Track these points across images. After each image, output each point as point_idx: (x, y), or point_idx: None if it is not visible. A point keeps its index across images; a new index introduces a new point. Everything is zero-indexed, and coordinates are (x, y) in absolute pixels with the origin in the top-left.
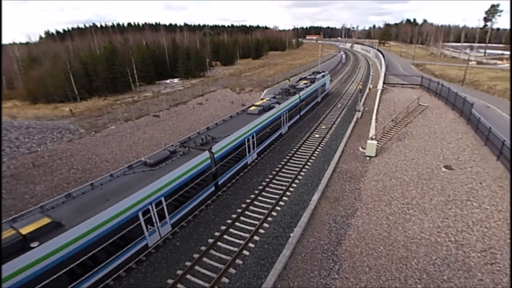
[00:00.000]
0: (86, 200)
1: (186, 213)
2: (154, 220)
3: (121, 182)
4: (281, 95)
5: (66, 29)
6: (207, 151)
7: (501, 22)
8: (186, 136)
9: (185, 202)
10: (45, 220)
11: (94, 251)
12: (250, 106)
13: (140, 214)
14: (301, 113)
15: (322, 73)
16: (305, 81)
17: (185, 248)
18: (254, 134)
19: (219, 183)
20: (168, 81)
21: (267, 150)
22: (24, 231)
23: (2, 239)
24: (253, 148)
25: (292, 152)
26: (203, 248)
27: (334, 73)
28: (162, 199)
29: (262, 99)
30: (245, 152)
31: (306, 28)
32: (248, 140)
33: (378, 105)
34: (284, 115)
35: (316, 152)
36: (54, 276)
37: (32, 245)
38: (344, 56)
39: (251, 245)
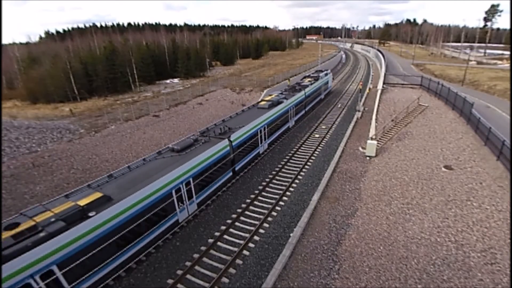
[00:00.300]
0: (126, 179)
1: (208, 195)
2: (184, 198)
3: (154, 165)
4: (288, 92)
5: (66, 29)
6: (226, 139)
7: (501, 22)
8: (205, 127)
9: (208, 184)
10: (97, 195)
11: (137, 223)
12: (261, 101)
13: (173, 192)
14: (307, 109)
15: (325, 72)
16: (309, 79)
17: (185, 248)
18: (266, 126)
19: (236, 169)
20: (168, 81)
21: (276, 142)
22: (82, 203)
23: (64, 209)
24: (265, 139)
25: (292, 152)
26: (203, 248)
27: (334, 73)
28: (191, 179)
29: (262, 100)
30: (258, 142)
31: (306, 28)
32: (260, 132)
33: (378, 105)
34: (291, 109)
35: (316, 152)
36: (106, 243)
37: (90, 214)
38: (344, 56)
39: (251, 245)
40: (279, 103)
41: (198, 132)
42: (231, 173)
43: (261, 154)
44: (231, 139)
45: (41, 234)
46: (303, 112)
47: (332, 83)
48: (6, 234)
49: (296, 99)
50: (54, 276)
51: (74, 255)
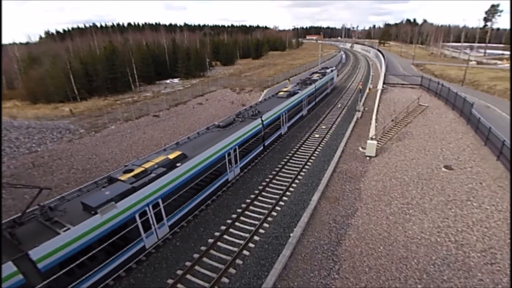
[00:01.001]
0: (190, 145)
1: (246, 163)
2: (232, 161)
3: (207, 136)
4: (300, 85)
5: (66, 29)
6: (259, 119)
7: (501, 22)
8: (238, 111)
9: (246, 154)
10: (178, 152)
11: (204, 176)
12: (279, 92)
13: (226, 155)
14: (317, 100)
15: (331, 68)
16: (317, 74)
17: (185, 248)
18: (286, 111)
19: (265, 144)
20: (168, 81)
21: (293, 127)
22: (171, 156)
23: (160, 160)
24: (285, 123)
25: (292, 152)
26: (203, 248)
27: None
28: (236, 147)
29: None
30: (281, 124)
31: (306, 28)
32: (282, 116)
33: (378, 105)
34: (305, 100)
35: (316, 152)
36: (188, 187)
37: (177, 164)
38: (344, 56)
39: (251, 245)
40: (295, 93)
41: (234, 115)
42: (262, 148)
43: (282, 135)
44: (263, 119)
45: (152, 175)
46: (313, 103)
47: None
48: (127, 175)
49: (308, 91)
50: (158, 208)
51: (170, 193)
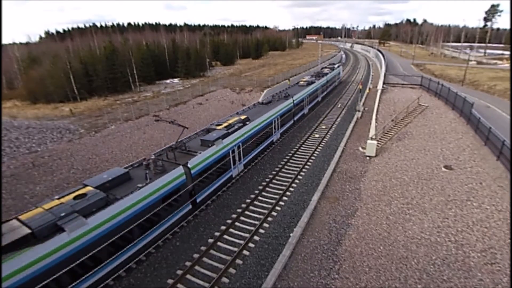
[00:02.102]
0: (249, 113)
1: (283, 131)
2: (277, 127)
3: (257, 109)
4: (314, 77)
5: (66, 29)
6: (291, 99)
7: (501, 22)
8: (271, 95)
9: (284, 124)
10: (245, 116)
11: (260, 134)
12: (300, 81)
13: (273, 121)
14: (328, 90)
15: (337, 64)
16: (327, 69)
17: (185, 248)
18: (307, 95)
19: (295, 119)
20: (168, 81)
21: (312, 111)
22: (242, 117)
23: (237, 119)
24: (307, 105)
25: (292, 152)
26: (203, 248)
27: None
28: (278, 117)
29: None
30: (304, 106)
31: (306, 28)
32: (305, 99)
33: (378, 105)
34: (319, 88)
35: (316, 152)
36: (251, 140)
37: (247, 123)
38: (344, 56)
39: (251, 245)
40: (312, 82)
41: (271, 96)
42: (292, 121)
43: (305, 114)
44: (294, 99)
45: (235, 127)
46: (326, 92)
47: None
48: (220, 127)
49: (322, 81)
50: (239, 149)
51: (244, 141)
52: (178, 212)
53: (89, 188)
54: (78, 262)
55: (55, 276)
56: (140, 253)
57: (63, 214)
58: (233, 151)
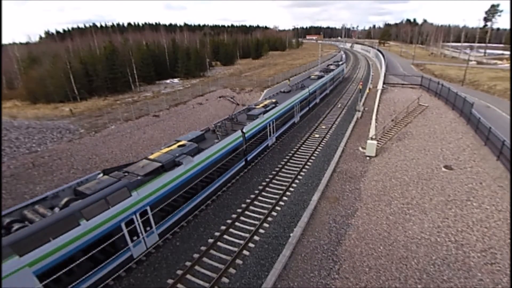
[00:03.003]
0: (276, 98)
1: (302, 114)
2: (297, 111)
3: (281, 96)
4: (322, 72)
5: (66, 29)
6: (307, 89)
7: (501, 22)
8: (286, 89)
9: (301, 110)
10: (274, 99)
11: (286, 115)
12: (311, 75)
13: (294, 106)
14: (335, 84)
15: (342, 62)
16: (332, 66)
17: (185, 248)
18: (319, 87)
19: (310, 106)
20: (168, 81)
21: (323, 101)
22: (273, 100)
23: (269, 102)
24: (319, 95)
25: (292, 152)
26: (203, 248)
27: None
28: (298, 102)
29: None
30: (316, 96)
31: (306, 28)
32: (317, 90)
33: (378, 105)
34: (328, 82)
35: (316, 152)
36: (280, 120)
37: (277, 105)
38: (344, 56)
39: (251, 245)
40: (322, 77)
41: (289, 86)
42: (307, 109)
43: (317, 103)
44: (309, 89)
45: (269, 107)
46: (333, 86)
47: None
48: (258, 106)
49: (330, 76)
50: (272, 125)
51: (276, 118)
52: (237, 165)
53: (184, 142)
54: (191, 185)
55: (180, 193)
56: (217, 191)
57: (177, 154)
58: (269, 125)
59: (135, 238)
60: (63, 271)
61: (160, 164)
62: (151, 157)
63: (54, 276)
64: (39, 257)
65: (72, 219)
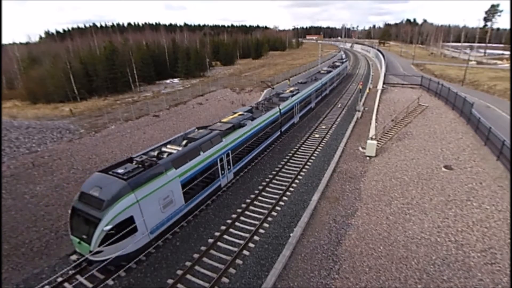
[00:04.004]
0: (296, 87)
1: (317, 101)
2: (312, 99)
3: (299, 85)
4: (330, 68)
5: (66, 29)
6: (320, 81)
7: (501, 22)
8: (303, 80)
9: (316, 98)
10: (297, 88)
11: (305, 101)
12: (320, 70)
13: (311, 95)
14: (340, 79)
15: (345, 59)
16: (337, 63)
17: (185, 248)
18: (328, 80)
19: (322, 96)
20: (168, 81)
21: (333, 92)
22: (296, 87)
23: (292, 90)
24: (328, 87)
25: (292, 152)
26: (203, 248)
27: None
28: (314, 91)
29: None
30: (326, 87)
31: (306, 28)
32: (327, 83)
33: (378, 105)
34: (335, 76)
35: (316, 152)
36: (301, 104)
37: (297, 91)
38: (344, 56)
39: (251, 245)
40: (330, 71)
41: (305, 78)
42: (320, 98)
43: (327, 95)
44: (321, 81)
45: (294, 93)
46: (339, 80)
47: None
48: (288, 91)
49: (336, 71)
50: (297, 107)
51: (299, 103)
52: (275, 133)
53: (241, 112)
54: (249, 142)
55: (244, 146)
56: (264, 151)
57: (241, 119)
58: (295, 106)
59: (222, 172)
60: (191, 185)
61: (231, 124)
62: (224, 120)
63: (187, 188)
64: (183, 172)
65: (196, 150)
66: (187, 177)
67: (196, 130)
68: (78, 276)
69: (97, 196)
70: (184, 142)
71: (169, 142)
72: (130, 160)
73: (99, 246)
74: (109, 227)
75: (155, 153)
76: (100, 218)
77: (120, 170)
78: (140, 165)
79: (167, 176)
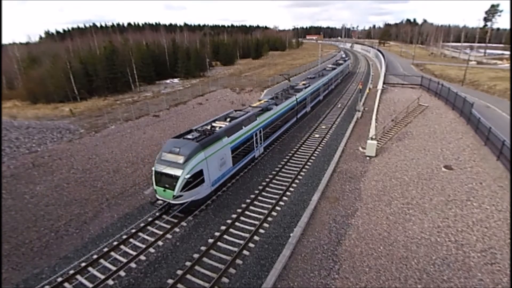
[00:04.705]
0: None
1: (325, 95)
2: (321, 92)
3: (307, 81)
4: (333, 65)
5: (66, 29)
6: (327, 76)
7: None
8: (312, 75)
9: (324, 91)
10: (307, 82)
11: (316, 93)
12: (326, 67)
13: (320, 88)
14: (343, 76)
15: (347, 58)
16: (340, 61)
17: (185, 248)
18: (334, 76)
19: (329, 90)
20: (168, 81)
21: (338, 87)
22: (307, 81)
23: (303, 83)
24: (334, 83)
25: (292, 152)
26: (203, 248)
27: None
28: (322, 85)
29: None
30: (332, 82)
31: (306, 28)
32: (332, 78)
33: (378, 105)
34: (339, 72)
35: (316, 152)
36: (313, 95)
37: (309, 85)
38: (344, 56)
39: (251, 245)
40: (334, 68)
41: (313, 73)
42: (327, 91)
43: (333, 90)
44: (328, 76)
45: (306, 86)
46: (342, 77)
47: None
48: (301, 84)
49: (340, 68)
50: (308, 98)
51: (310, 95)
52: (292, 119)
53: (266, 99)
54: (274, 123)
55: (270, 126)
56: (284, 133)
57: (267, 104)
58: (308, 97)
59: (256, 145)
60: (237, 151)
61: (261, 107)
62: (253, 105)
63: (234, 153)
64: (232, 140)
65: (239, 125)
66: (234, 145)
67: (234, 111)
68: (78, 276)
69: (179, 153)
70: (228, 119)
71: (214, 120)
72: (191, 131)
73: (180, 191)
74: (188, 175)
75: (209, 127)
76: (182, 169)
77: (189, 136)
78: (203, 133)
79: (223, 142)
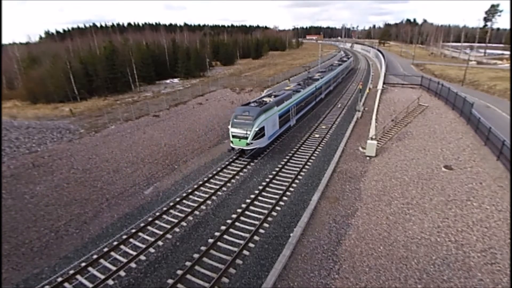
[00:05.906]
0: (329, 71)
1: (335, 86)
2: (330, 85)
3: (320, 74)
4: (338, 62)
5: (66, 29)
6: (335, 70)
7: (501, 22)
8: (322, 69)
9: (332, 85)
10: (320, 75)
11: (324, 86)
12: (332, 64)
13: (330, 81)
14: (346, 73)
15: (350, 56)
16: (344, 58)
17: (185, 248)
18: (341, 70)
19: (335, 83)
20: (168, 81)
21: (342, 83)
22: (320, 75)
23: (316, 78)
24: (340, 77)
25: (292, 152)
26: (203, 248)
27: None
28: (332, 78)
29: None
30: (338, 77)
31: (306, 28)
32: (338, 73)
33: (378, 105)
34: (344, 70)
35: (316, 152)
36: (323, 87)
37: (320, 77)
38: (344, 56)
39: (251, 245)
40: (339, 65)
41: (322, 68)
42: (336, 84)
43: (340, 82)
44: (337, 71)
45: (320, 77)
46: (345, 74)
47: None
48: (316, 76)
49: (344, 65)
50: (322, 87)
51: (323, 84)
52: (313, 102)
53: (293, 85)
54: (301, 103)
55: (299, 105)
56: (308, 112)
57: (297, 88)
58: (322, 86)
59: (291, 117)
60: (281, 118)
61: (293, 90)
62: (286, 88)
63: (280, 119)
64: (279, 109)
65: (282, 100)
66: (280, 113)
67: (274, 92)
68: (78, 276)
69: (249, 113)
70: (272, 96)
71: (264, 97)
72: (250, 103)
73: (252, 140)
74: (257, 128)
75: (261, 100)
76: (253, 124)
77: (253, 104)
78: (261, 103)
79: (274, 109)
